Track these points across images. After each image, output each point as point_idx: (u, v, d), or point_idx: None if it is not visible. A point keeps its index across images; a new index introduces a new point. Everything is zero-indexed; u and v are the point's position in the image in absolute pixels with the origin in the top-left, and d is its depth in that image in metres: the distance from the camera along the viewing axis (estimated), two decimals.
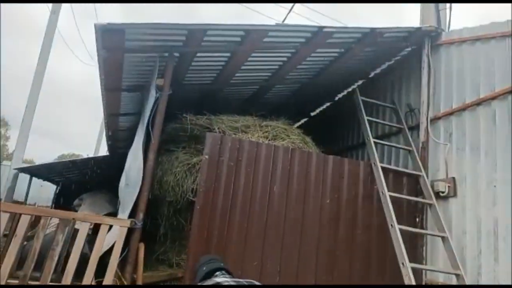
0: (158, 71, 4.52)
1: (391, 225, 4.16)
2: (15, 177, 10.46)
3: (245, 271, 4.13)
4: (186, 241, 4.67)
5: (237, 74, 5.62)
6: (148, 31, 4.03)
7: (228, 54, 4.95)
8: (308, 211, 4.46)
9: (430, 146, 4.90)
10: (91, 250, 3.82)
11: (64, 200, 13.49)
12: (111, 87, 5.10)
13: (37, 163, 16.16)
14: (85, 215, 3.69)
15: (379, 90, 6.31)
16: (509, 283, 3.48)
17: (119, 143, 8.78)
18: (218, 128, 4.83)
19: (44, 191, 18.33)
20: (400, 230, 4.12)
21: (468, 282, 3.80)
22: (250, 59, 5.11)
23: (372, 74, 6.65)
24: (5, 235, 7.15)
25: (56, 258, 3.60)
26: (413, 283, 3.68)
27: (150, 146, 4.35)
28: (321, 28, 4.42)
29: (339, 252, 4.45)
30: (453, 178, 4.42)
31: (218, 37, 4.42)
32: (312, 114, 8.92)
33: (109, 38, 3.86)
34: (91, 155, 15.93)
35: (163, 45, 4.38)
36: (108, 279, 3.66)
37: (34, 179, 12.73)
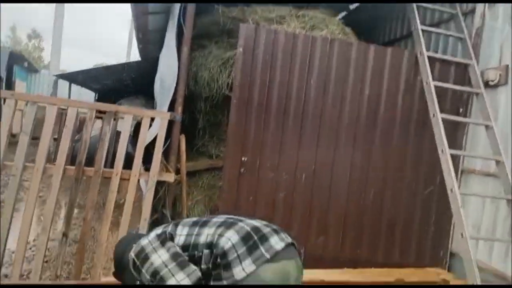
0: None
1: (433, 114, 4.04)
2: (55, 83, 10.87)
3: (282, 161, 4.30)
4: (224, 134, 4.82)
5: None
6: None
7: None
8: (345, 106, 4.38)
9: (485, 32, 4.45)
10: (134, 149, 4.03)
11: None
12: None
13: None
14: (127, 108, 3.82)
15: None
16: None
17: (150, 46, 8.65)
18: (252, 20, 4.57)
19: (84, 99, 19.16)
20: (442, 119, 4.01)
21: (508, 168, 3.76)
22: None
23: None
24: (55, 139, 7.74)
25: (106, 148, 3.84)
26: (451, 168, 3.70)
27: (183, 40, 4.24)
28: None
29: (376, 146, 4.45)
30: (507, 65, 4.08)
31: None
32: (352, 7, 8.21)
33: None
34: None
35: None
36: (155, 167, 3.92)
37: (73, 86, 13.20)
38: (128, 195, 3.76)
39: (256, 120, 4.24)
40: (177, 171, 4.34)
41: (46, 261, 4.00)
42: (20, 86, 14.03)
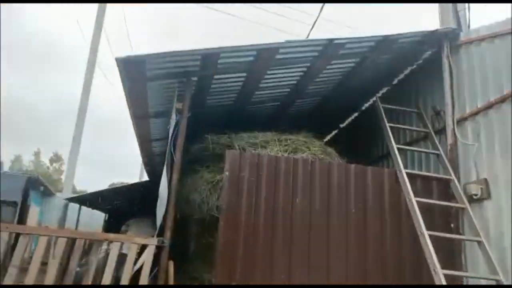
0: (179, 95, 4.77)
1: (420, 232, 4.02)
2: (65, 206, 11.22)
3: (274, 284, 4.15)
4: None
5: (256, 92, 5.78)
6: (166, 59, 4.29)
7: (244, 74, 5.13)
8: (333, 222, 4.42)
9: (459, 148, 4.71)
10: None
11: (113, 227, 14.22)
12: (139, 115, 5.43)
13: None
14: (116, 235, 3.93)
15: (403, 96, 6.19)
16: None
17: (156, 167, 9.19)
18: (238, 145, 4.97)
19: (95, 219, 19.35)
20: (432, 236, 3.97)
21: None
22: (266, 76, 5.26)
23: (395, 81, 6.55)
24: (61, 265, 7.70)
25: (91, 278, 3.83)
26: None
27: (173, 167, 4.57)
28: (331, 40, 4.48)
29: (370, 263, 4.33)
30: (485, 179, 4.21)
31: (232, 59, 4.62)
32: (342, 125, 8.85)
33: (131, 69, 4.15)
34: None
35: (181, 71, 4.63)
36: None
37: (87, 208, 13.56)
38: None
39: (245, 242, 4.25)
40: None
41: None
42: (33, 211, 14.43)
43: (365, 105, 7.62)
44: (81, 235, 3.97)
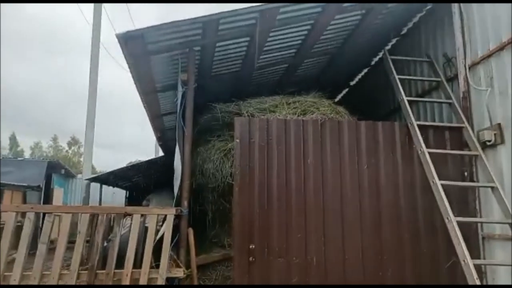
0: (183, 67, 4.74)
1: (433, 182, 4.02)
2: (87, 186, 11.59)
3: (290, 244, 4.27)
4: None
5: (262, 56, 5.67)
6: (165, 31, 4.23)
7: (247, 38, 5.03)
8: (346, 179, 4.44)
9: (472, 95, 4.59)
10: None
11: (134, 203, 14.67)
12: (147, 90, 5.44)
13: None
14: (133, 208, 4.07)
15: (413, 46, 5.99)
16: None
17: (169, 142, 9.31)
18: (247, 112, 4.97)
19: (117, 197, 19.99)
20: (444, 185, 3.96)
21: None
22: (270, 39, 5.14)
23: (404, 30, 6.32)
24: (87, 242, 8.06)
25: (116, 249, 4.01)
26: (460, 237, 3.55)
27: (184, 138, 4.62)
28: None
29: (384, 216, 4.38)
30: (499, 124, 4.11)
31: (232, 24, 4.52)
32: (352, 83, 8.69)
33: (132, 44, 4.13)
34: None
35: (182, 42, 4.58)
36: (164, 263, 4.01)
37: (108, 188, 13.96)
38: None
39: (260, 206, 4.33)
40: (188, 265, 4.39)
41: None
42: (58, 192, 15.01)
43: (374, 60, 7.42)
44: (102, 209, 4.12)
